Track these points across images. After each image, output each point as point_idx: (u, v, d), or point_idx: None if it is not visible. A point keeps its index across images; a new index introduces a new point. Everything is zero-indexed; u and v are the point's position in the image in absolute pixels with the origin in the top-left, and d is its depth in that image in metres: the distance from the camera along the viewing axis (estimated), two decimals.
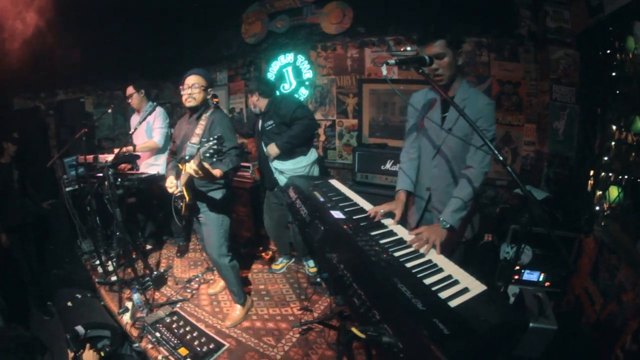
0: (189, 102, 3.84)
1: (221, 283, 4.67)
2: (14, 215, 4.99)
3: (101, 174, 4.63)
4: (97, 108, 7.53)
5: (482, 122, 2.62)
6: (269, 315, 4.41)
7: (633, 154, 3.21)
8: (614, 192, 3.39)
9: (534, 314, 2.57)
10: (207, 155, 3.06)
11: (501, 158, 2.00)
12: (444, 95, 2.36)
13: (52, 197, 6.10)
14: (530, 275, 3.81)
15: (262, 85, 4.73)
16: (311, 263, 5.21)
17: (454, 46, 2.60)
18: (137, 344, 3.97)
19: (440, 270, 2.06)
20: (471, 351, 1.48)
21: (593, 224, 3.59)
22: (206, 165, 3.23)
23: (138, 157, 5.24)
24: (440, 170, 2.91)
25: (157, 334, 4.02)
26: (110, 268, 5.29)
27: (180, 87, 3.88)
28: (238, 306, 4.32)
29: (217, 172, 3.40)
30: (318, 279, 4.94)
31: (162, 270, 5.47)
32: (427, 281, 1.92)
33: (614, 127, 3.54)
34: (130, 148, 5.23)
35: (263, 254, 5.81)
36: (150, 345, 3.89)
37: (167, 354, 3.77)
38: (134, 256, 4.83)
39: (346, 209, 2.78)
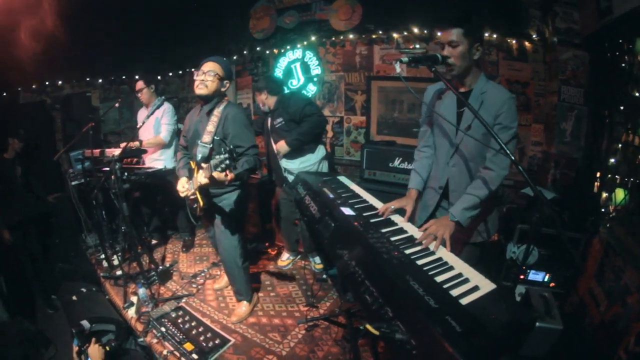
0: (199, 89, 3.56)
1: (226, 278, 4.60)
2: (17, 212, 5.01)
3: (107, 168, 4.65)
4: (103, 102, 7.55)
5: (503, 119, 2.58)
6: (275, 312, 4.43)
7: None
8: (620, 194, 3.37)
9: (540, 314, 2.58)
10: (219, 169, 2.96)
11: (513, 158, 2.00)
12: (456, 93, 2.37)
13: (57, 190, 6.11)
14: (535, 276, 3.82)
15: (270, 83, 4.75)
16: (317, 260, 5.22)
17: (471, 37, 2.54)
18: (142, 339, 3.99)
19: (451, 268, 2.08)
20: (483, 349, 1.49)
21: (599, 225, 3.58)
22: (216, 175, 3.05)
23: (145, 151, 5.23)
24: (459, 170, 2.86)
25: (163, 329, 4.04)
26: (116, 262, 5.32)
27: (195, 72, 3.63)
28: (244, 302, 4.32)
29: (228, 177, 3.13)
30: (324, 276, 4.94)
31: (167, 265, 5.50)
32: (439, 279, 1.93)
33: (621, 129, 3.53)
34: (137, 143, 5.24)
35: (269, 250, 5.83)
36: (155, 340, 3.90)
37: (172, 348, 3.78)
38: (139, 250, 4.83)
39: (356, 206, 2.80)
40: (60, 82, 6.96)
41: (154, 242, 6.27)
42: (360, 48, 5.87)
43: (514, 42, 4.77)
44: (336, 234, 2.40)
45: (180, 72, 8.14)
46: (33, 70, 5.91)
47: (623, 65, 3.55)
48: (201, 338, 3.96)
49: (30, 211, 5.20)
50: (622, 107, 3.55)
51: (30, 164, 5.42)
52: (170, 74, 8.17)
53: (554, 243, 3.66)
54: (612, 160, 3.60)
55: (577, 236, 3.65)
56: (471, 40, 2.54)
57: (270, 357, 3.73)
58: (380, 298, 1.77)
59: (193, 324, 4.19)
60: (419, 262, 2.08)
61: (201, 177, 3.18)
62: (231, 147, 2.92)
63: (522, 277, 3.81)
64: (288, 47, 6.53)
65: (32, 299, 5.01)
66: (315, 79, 6.36)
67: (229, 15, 7.05)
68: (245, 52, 7.09)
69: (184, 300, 4.63)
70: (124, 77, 7.71)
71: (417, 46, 5.35)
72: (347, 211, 2.63)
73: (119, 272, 5.11)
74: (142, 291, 4.37)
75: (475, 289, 1.88)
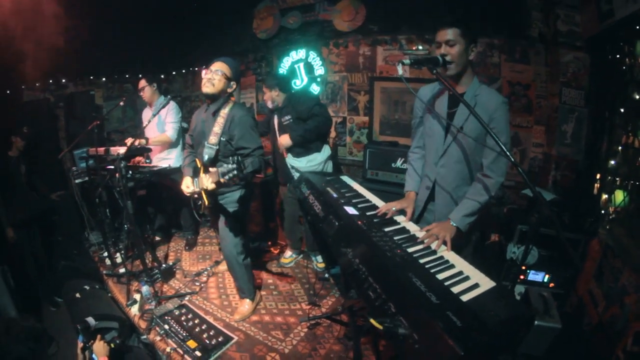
0: (205, 87, 3.60)
1: None
2: (21, 210, 5.04)
3: (112, 166, 4.69)
4: (107, 101, 7.57)
5: (496, 123, 2.59)
6: (278, 310, 4.45)
7: None
8: (619, 196, 3.40)
9: (539, 312, 2.61)
10: (227, 178, 3.05)
11: (513, 160, 2.04)
12: (454, 92, 2.39)
13: (60, 188, 6.14)
14: (535, 276, 3.85)
15: (282, 81, 4.79)
16: (319, 258, 5.24)
17: (467, 38, 2.57)
18: (145, 336, 4.01)
19: (452, 266, 2.13)
20: (482, 343, 1.53)
21: (598, 226, 3.61)
22: (223, 181, 3.14)
23: (150, 150, 5.24)
24: (448, 170, 2.87)
25: (166, 326, 4.07)
26: (119, 260, 5.36)
27: (204, 71, 3.69)
28: (247, 300, 4.35)
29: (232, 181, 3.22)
30: (326, 275, 4.98)
31: (170, 263, 5.52)
32: (440, 276, 1.98)
33: (622, 132, 3.55)
34: (143, 141, 5.25)
35: (272, 249, 5.85)
36: (158, 338, 3.93)
37: (175, 346, 3.81)
38: (142, 248, 4.84)
39: (359, 205, 2.84)
40: (64, 81, 6.99)
41: (157, 239, 6.30)
42: (364, 49, 5.89)
43: (516, 44, 4.79)
44: (340, 232, 2.45)
45: (184, 70, 8.18)
46: (37, 68, 5.95)
47: (624, 67, 3.58)
48: (204, 335, 3.98)
49: (34, 209, 5.23)
50: (622, 110, 3.58)
51: (33, 162, 5.45)
52: (174, 72, 8.21)
53: (553, 244, 3.69)
54: (612, 162, 3.63)
55: (577, 237, 3.67)
56: (468, 40, 2.58)
57: (273, 354, 3.76)
58: (383, 294, 1.82)
59: (196, 321, 4.21)
60: (421, 260, 2.13)
61: (208, 182, 3.27)
62: (239, 158, 3.02)
63: (522, 277, 3.84)
64: (291, 47, 6.55)
65: (36, 296, 5.04)
66: (318, 79, 6.38)
67: (233, 15, 7.08)
68: (248, 51, 7.11)
69: (187, 298, 4.66)
70: (127, 76, 7.75)
71: (420, 47, 5.38)
72: (351, 210, 2.67)
73: (122, 270, 5.12)
74: (145, 289, 4.40)
75: (476, 286, 1.93)
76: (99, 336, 3.24)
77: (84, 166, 5.25)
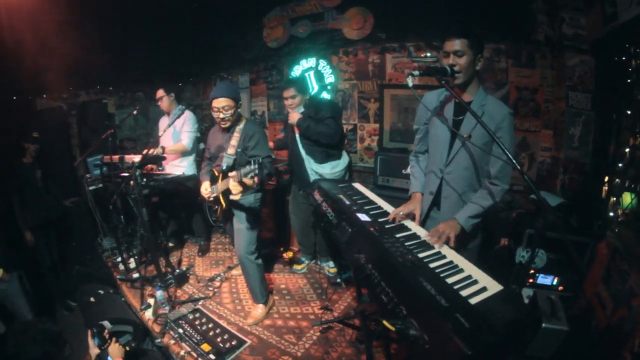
0: (224, 124, 3.95)
1: None
2: (38, 214, 5.11)
3: (126, 174, 4.79)
4: (119, 109, 7.67)
5: (503, 133, 2.64)
6: (290, 314, 4.51)
7: None
8: (627, 198, 3.39)
9: (546, 315, 2.65)
10: (249, 177, 3.29)
11: (519, 168, 2.09)
12: (464, 103, 2.45)
13: (73, 195, 6.21)
14: (544, 279, 3.86)
15: (299, 84, 4.79)
16: (331, 264, 5.29)
17: (474, 48, 2.62)
18: (159, 340, 4.07)
19: (461, 270, 2.19)
20: (490, 344, 1.59)
21: (606, 229, 3.60)
22: (246, 181, 3.49)
23: (164, 158, 5.32)
24: (456, 177, 2.91)
25: (180, 330, 4.14)
26: (132, 265, 5.44)
27: (211, 109, 3.95)
28: (260, 305, 4.42)
29: (254, 180, 3.56)
30: (338, 280, 5.05)
31: (183, 268, 5.59)
32: (449, 280, 2.04)
33: (629, 134, 3.54)
34: (160, 150, 5.32)
35: (284, 255, 5.88)
36: (172, 341, 4.00)
37: (189, 349, 3.88)
38: (156, 254, 4.91)
39: (371, 212, 2.91)
40: (76, 89, 7.09)
41: (170, 245, 6.37)
42: (373, 57, 5.92)
43: (522, 49, 4.81)
44: (353, 238, 2.51)
45: (195, 79, 8.26)
46: (50, 77, 6.04)
47: (629, 70, 3.56)
48: (218, 339, 4.05)
49: (51, 212, 5.30)
50: (629, 112, 3.56)
51: (47, 167, 5.52)
52: (190, 80, 8.29)
53: (562, 247, 3.70)
54: (620, 164, 3.61)
55: (585, 240, 3.68)
56: (475, 51, 2.63)
57: (286, 358, 3.82)
58: (395, 298, 1.89)
59: (210, 325, 4.28)
60: (431, 265, 2.20)
61: (231, 183, 3.50)
62: (260, 160, 3.25)
63: (531, 280, 3.85)
64: (302, 55, 6.60)
65: (51, 300, 5.12)
66: (329, 87, 6.40)
67: (243, 24, 7.15)
68: (259, 60, 7.18)
69: (200, 302, 4.72)
70: (138, 85, 7.84)
71: (429, 54, 5.40)
72: (363, 217, 2.73)
73: (135, 275, 5.20)
74: (159, 293, 4.46)
75: (484, 289, 1.99)
76: (114, 339, 3.30)
77: (98, 173, 5.33)
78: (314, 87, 6.48)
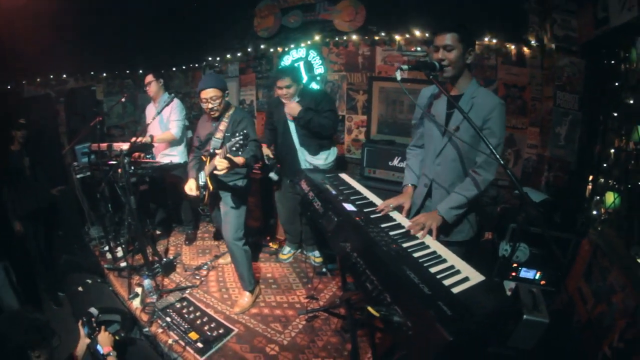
0: (214, 114, 4.04)
1: None
2: (27, 203, 5.05)
3: (114, 162, 4.75)
4: (107, 96, 7.64)
5: (492, 124, 2.67)
6: (277, 303, 4.56)
7: (632, 162, 3.25)
8: (610, 197, 3.44)
9: (528, 307, 2.69)
10: (234, 149, 3.33)
11: (502, 162, 2.12)
12: (448, 96, 2.51)
13: (60, 183, 6.17)
14: (526, 273, 3.90)
15: (293, 72, 4.77)
16: (317, 253, 5.35)
17: (464, 42, 2.64)
18: (147, 329, 4.09)
19: (444, 260, 2.23)
20: (471, 332, 1.65)
21: (589, 227, 3.65)
22: (230, 156, 3.50)
23: (152, 146, 5.33)
24: (444, 168, 2.96)
25: (168, 319, 4.17)
26: (119, 254, 5.43)
27: (199, 99, 4.05)
28: (247, 293, 4.46)
29: (240, 160, 3.65)
30: (324, 269, 5.10)
31: (171, 257, 5.60)
32: (433, 270, 2.08)
33: (614, 135, 3.59)
34: (148, 139, 5.31)
35: (270, 244, 5.93)
36: (160, 330, 4.03)
37: (177, 338, 3.91)
38: (144, 242, 4.92)
39: (357, 202, 2.94)
40: (65, 76, 7.06)
41: (157, 234, 6.36)
42: (363, 49, 5.94)
43: (512, 47, 4.84)
44: (339, 228, 2.55)
45: (184, 67, 8.23)
46: (38, 64, 6.01)
47: (618, 73, 3.62)
48: (205, 328, 4.09)
49: (40, 201, 5.24)
50: (615, 114, 3.61)
51: (36, 155, 5.49)
52: (174, 69, 8.26)
53: (545, 242, 3.74)
54: (605, 164, 3.67)
55: (568, 237, 3.73)
56: (465, 45, 2.65)
57: (272, 346, 3.86)
58: (379, 286, 1.93)
59: (197, 314, 4.32)
60: (415, 255, 2.23)
61: (217, 161, 3.52)
62: (244, 132, 3.35)
63: (513, 274, 3.91)
64: (292, 45, 6.59)
65: (39, 291, 5.06)
66: (318, 78, 6.41)
67: (234, 13, 7.13)
68: (249, 49, 7.17)
69: (188, 291, 4.75)
70: (127, 72, 7.82)
71: (419, 49, 5.42)
72: (349, 207, 2.76)
73: (123, 264, 5.20)
74: (147, 282, 4.48)
75: (466, 279, 2.04)
76: (102, 327, 3.30)
77: (85, 161, 5.29)
78: (303, 77, 6.46)
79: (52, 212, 5.63)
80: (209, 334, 4.00)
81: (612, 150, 3.60)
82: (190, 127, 6.06)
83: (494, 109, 2.67)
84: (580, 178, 4.19)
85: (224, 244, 5.19)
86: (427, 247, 2.40)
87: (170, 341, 3.87)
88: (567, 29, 4.30)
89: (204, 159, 4.15)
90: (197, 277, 5.08)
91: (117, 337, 3.35)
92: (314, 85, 6.44)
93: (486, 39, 4.89)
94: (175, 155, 5.64)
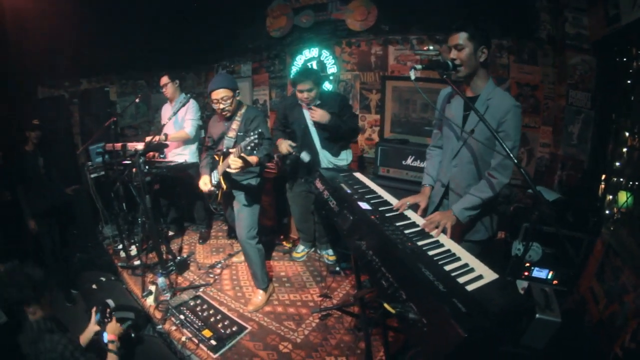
0: (225, 114, 4.05)
1: None
2: (42, 201, 5.08)
3: (128, 161, 4.83)
4: (121, 97, 7.66)
5: (506, 127, 2.66)
6: (290, 301, 4.58)
7: None
8: (622, 197, 3.44)
9: (540, 306, 2.70)
10: (249, 148, 3.37)
11: (517, 162, 2.15)
12: (464, 97, 2.51)
13: (74, 183, 6.21)
14: (539, 273, 3.89)
15: (317, 76, 4.68)
16: (330, 252, 5.37)
17: (475, 40, 2.64)
18: (160, 326, 4.13)
19: (459, 259, 2.25)
20: (485, 329, 1.66)
21: (601, 226, 3.65)
22: (245, 156, 3.55)
23: (167, 146, 5.34)
24: (461, 170, 2.98)
25: (181, 317, 4.20)
26: (133, 253, 5.48)
27: (210, 101, 4.08)
28: (260, 291, 4.49)
29: (254, 159, 3.71)
30: (337, 268, 5.12)
31: (184, 255, 5.64)
32: (447, 268, 2.11)
33: (627, 134, 3.58)
34: (162, 137, 5.32)
35: (284, 242, 5.95)
36: (174, 327, 4.06)
37: (190, 335, 3.94)
38: (158, 241, 4.94)
39: (372, 201, 2.96)
40: (78, 78, 7.09)
41: (171, 233, 6.40)
42: (375, 48, 5.97)
43: (524, 45, 4.85)
44: (354, 226, 2.57)
45: (197, 68, 8.27)
46: (51, 65, 6.04)
47: (630, 71, 3.61)
48: (219, 325, 4.12)
49: (54, 199, 5.28)
50: (628, 112, 3.63)
51: (49, 156, 5.53)
52: (188, 69, 8.30)
53: (558, 242, 3.72)
54: (617, 163, 3.66)
55: (581, 236, 3.71)
56: (476, 43, 2.65)
57: (285, 343, 3.89)
58: (395, 283, 1.95)
59: (211, 312, 4.35)
60: (430, 253, 2.26)
61: (231, 159, 3.56)
62: (258, 131, 3.37)
63: (526, 273, 3.90)
64: (304, 45, 6.63)
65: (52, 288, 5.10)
66: (331, 78, 6.43)
67: (246, 13, 7.16)
68: (262, 49, 7.20)
69: (201, 289, 4.78)
70: (141, 73, 7.85)
71: (431, 47, 5.44)
72: (364, 206, 2.78)
73: (136, 262, 5.26)
74: (161, 280, 4.51)
75: (480, 277, 2.06)
76: (114, 318, 3.31)
77: (100, 161, 5.35)
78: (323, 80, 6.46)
79: (66, 211, 5.66)
80: (223, 331, 4.02)
81: (625, 149, 3.60)
82: (204, 127, 6.10)
83: (509, 112, 2.66)
84: (593, 177, 4.18)
85: (237, 243, 5.19)
86: (442, 245, 2.42)
87: (183, 338, 3.90)
88: (578, 26, 4.31)
89: (217, 158, 4.18)
90: (211, 276, 5.11)
91: (125, 330, 3.37)
92: (327, 85, 6.45)
93: (498, 38, 4.87)
94: (186, 155, 5.68)
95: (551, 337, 2.68)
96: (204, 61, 8.23)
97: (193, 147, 5.77)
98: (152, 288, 4.54)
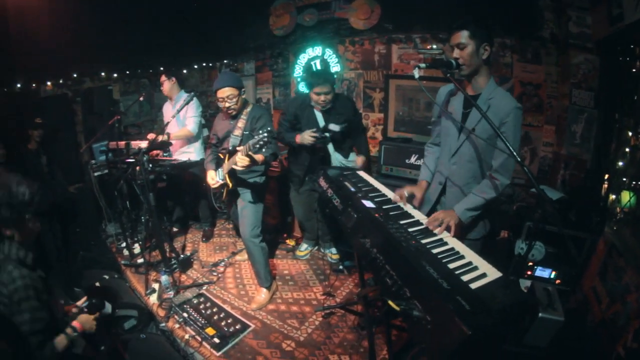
0: (231, 112, 4.08)
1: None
2: (44, 200, 5.08)
3: (132, 160, 4.84)
4: (124, 96, 7.68)
5: (506, 129, 2.65)
6: (293, 299, 4.59)
7: None
8: (625, 196, 3.42)
9: (543, 305, 2.71)
10: (257, 146, 3.38)
11: (520, 161, 2.16)
12: (466, 95, 2.53)
13: (78, 181, 6.24)
14: (542, 272, 3.90)
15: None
16: (333, 250, 5.38)
17: (477, 38, 2.64)
18: (163, 324, 4.13)
19: (462, 257, 2.27)
20: (489, 327, 1.67)
21: (604, 226, 3.64)
22: (252, 154, 3.58)
23: (171, 144, 5.36)
24: (459, 167, 2.99)
25: (185, 315, 4.22)
26: (136, 251, 5.49)
27: (216, 99, 4.10)
28: (264, 289, 4.50)
29: (260, 158, 3.75)
30: (340, 266, 5.13)
31: (188, 253, 5.65)
32: (451, 266, 2.12)
33: (630, 133, 3.58)
34: (165, 137, 5.30)
35: (287, 241, 5.95)
36: (177, 325, 4.07)
37: (193, 333, 3.95)
38: (162, 239, 4.97)
39: (376, 199, 2.97)
40: (81, 76, 7.10)
41: (174, 231, 6.41)
42: (379, 47, 5.95)
43: (528, 44, 4.84)
44: (358, 224, 2.58)
45: (200, 65, 8.27)
46: (54, 64, 6.05)
47: (634, 70, 3.61)
48: (222, 323, 4.13)
49: (57, 200, 5.30)
50: (631, 112, 3.63)
51: (52, 154, 5.55)
52: (194, 67, 8.30)
53: (561, 241, 3.75)
54: (620, 163, 3.66)
55: (583, 235, 3.72)
56: (478, 40, 2.65)
57: (289, 342, 3.90)
58: (399, 280, 1.97)
59: (214, 310, 4.36)
60: (434, 251, 2.28)
61: (238, 157, 3.60)
62: (268, 128, 3.38)
63: (529, 272, 3.91)
64: (308, 44, 6.62)
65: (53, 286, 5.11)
66: (334, 76, 6.38)
67: (249, 11, 7.16)
68: (265, 48, 7.21)
69: (205, 287, 4.79)
70: (139, 71, 7.85)
71: (435, 46, 5.44)
72: (368, 204, 2.80)
73: (140, 260, 5.26)
74: (164, 278, 4.52)
75: (483, 275, 2.07)
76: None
77: (103, 159, 5.36)
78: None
79: (69, 209, 5.67)
80: (226, 329, 4.04)
81: (628, 149, 3.59)
82: (207, 126, 6.11)
83: (510, 114, 2.66)
84: (596, 176, 4.18)
85: (241, 241, 5.20)
86: (445, 243, 2.44)
87: (186, 336, 3.91)
88: (581, 25, 4.30)
89: (222, 156, 4.20)
90: (214, 274, 5.12)
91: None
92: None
93: (501, 37, 4.87)
94: (191, 153, 5.69)
95: (554, 336, 2.69)
96: (207, 60, 8.23)
97: (197, 144, 5.77)
98: (156, 286, 4.55)
